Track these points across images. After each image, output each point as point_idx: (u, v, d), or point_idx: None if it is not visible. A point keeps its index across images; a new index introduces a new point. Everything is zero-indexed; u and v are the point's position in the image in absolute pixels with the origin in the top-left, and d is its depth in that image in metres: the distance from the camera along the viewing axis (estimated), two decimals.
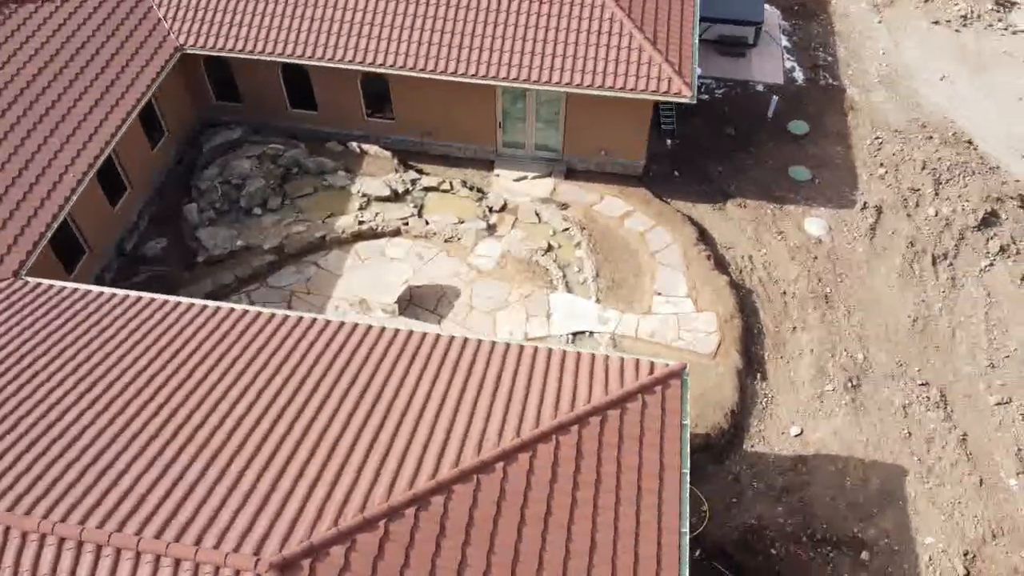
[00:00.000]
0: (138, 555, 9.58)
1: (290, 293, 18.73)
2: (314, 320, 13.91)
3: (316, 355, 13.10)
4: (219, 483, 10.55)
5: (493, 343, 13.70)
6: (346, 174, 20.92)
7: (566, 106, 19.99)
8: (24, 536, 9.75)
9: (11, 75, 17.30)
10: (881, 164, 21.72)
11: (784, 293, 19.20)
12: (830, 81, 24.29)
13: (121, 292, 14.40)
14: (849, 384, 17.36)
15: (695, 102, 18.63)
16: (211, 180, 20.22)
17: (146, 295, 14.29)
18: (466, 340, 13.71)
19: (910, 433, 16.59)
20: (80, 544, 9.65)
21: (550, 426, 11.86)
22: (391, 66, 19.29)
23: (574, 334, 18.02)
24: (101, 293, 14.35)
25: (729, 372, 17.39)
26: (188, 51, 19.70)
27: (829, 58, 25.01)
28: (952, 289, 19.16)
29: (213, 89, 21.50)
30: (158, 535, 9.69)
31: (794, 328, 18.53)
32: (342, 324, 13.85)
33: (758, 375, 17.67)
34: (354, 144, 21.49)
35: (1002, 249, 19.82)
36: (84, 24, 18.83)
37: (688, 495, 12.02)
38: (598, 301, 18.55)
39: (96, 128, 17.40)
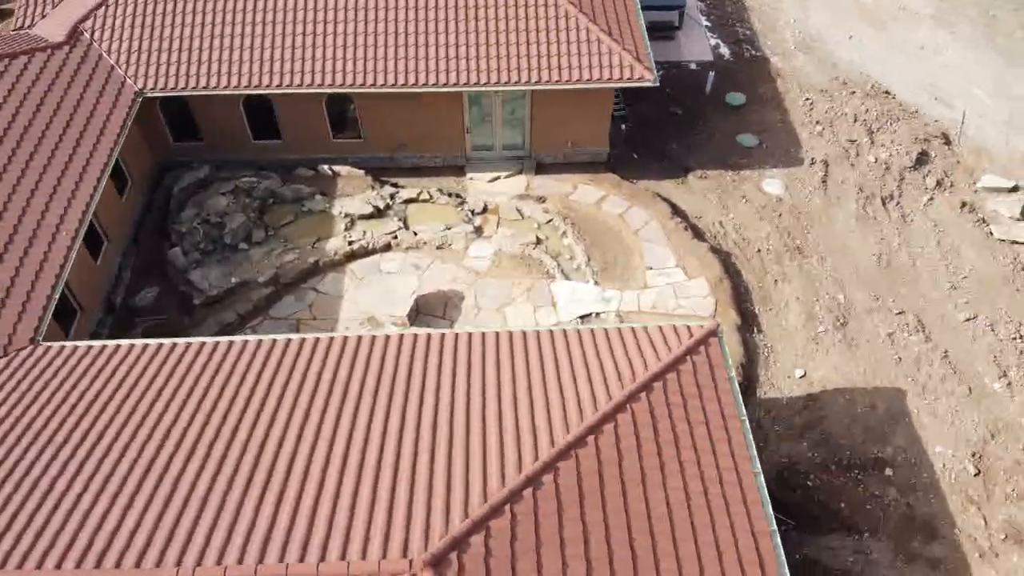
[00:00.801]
0: None
1: (295, 322, 18.72)
2: (358, 337, 14.14)
3: (373, 368, 13.37)
4: (339, 500, 10.77)
5: (538, 331, 14.35)
6: (323, 197, 21.00)
7: (531, 104, 20.77)
8: None
9: None
10: (817, 122, 23.55)
11: (759, 251, 20.61)
12: (753, 53, 26.06)
13: (141, 342, 14.17)
14: (837, 323, 18.90)
15: (658, 84, 19.78)
16: (190, 221, 19.90)
17: (173, 341, 14.11)
18: (511, 332, 14.29)
19: (900, 358, 18.24)
20: None
21: (622, 396, 12.60)
22: (358, 85, 19.55)
23: (581, 317, 18.83)
24: (129, 345, 14.05)
25: (730, 329, 18.59)
26: (148, 95, 19.34)
27: (748, 32, 26.81)
28: (904, 225, 21.07)
29: (170, 130, 21.12)
30: (301, 559, 9.88)
31: (776, 281, 19.95)
32: (387, 337, 14.15)
33: (754, 329, 18.96)
34: (325, 167, 21.59)
35: (939, 183, 21.92)
36: (37, 81, 18.21)
37: (752, 440, 13.05)
38: (596, 283, 19.43)
39: (76, 185, 16.90)
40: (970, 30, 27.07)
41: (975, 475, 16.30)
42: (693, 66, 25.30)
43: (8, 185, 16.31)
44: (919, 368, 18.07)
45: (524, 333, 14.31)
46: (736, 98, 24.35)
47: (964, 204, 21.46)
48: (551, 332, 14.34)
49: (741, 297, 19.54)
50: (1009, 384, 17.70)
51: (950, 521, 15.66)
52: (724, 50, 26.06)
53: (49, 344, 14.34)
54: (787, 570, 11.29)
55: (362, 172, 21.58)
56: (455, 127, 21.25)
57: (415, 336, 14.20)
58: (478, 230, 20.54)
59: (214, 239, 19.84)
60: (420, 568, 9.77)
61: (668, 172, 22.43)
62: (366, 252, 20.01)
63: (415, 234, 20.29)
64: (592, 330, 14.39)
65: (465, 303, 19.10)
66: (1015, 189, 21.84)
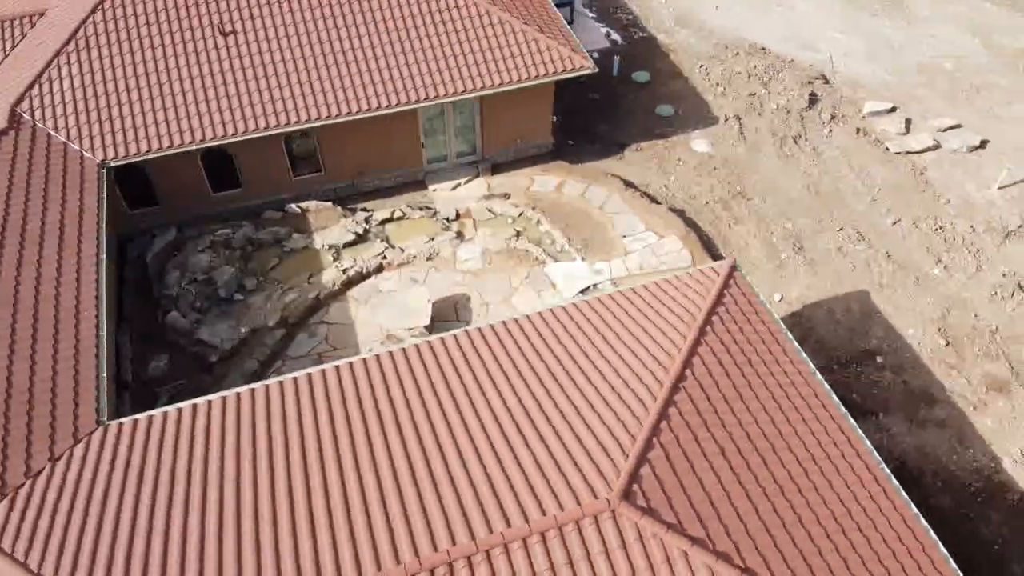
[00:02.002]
0: (506, 547, 10.55)
1: (317, 356, 18.94)
2: (441, 338, 14.87)
3: (474, 362, 14.14)
4: (517, 468, 11.64)
5: (587, 301, 15.67)
6: (300, 235, 21.22)
7: (481, 109, 21.99)
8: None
9: None
10: (717, 84, 26.28)
11: (707, 203, 22.88)
12: (641, 35, 28.54)
13: (203, 400, 14.17)
14: (794, 249, 21.44)
15: (596, 70, 21.59)
16: (177, 284, 19.56)
17: (235, 391, 14.19)
18: (566, 307, 15.52)
19: (853, 265, 21.01)
20: (452, 565, 10.40)
21: (694, 333, 14.16)
22: (320, 118, 19.98)
23: (582, 291, 20.26)
24: (192, 406, 13.98)
25: None
26: (111, 164, 18.87)
27: (630, 17, 29.28)
28: (817, 157, 24.07)
29: (125, 199, 20.58)
30: (508, 525, 10.72)
31: (730, 225, 22.27)
32: (452, 335, 14.98)
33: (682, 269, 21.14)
34: (292, 206, 21.76)
35: (832, 117, 25.17)
36: None
37: (799, 347, 15.05)
38: (583, 259, 20.93)
39: (77, 268, 16.34)
40: None
41: (946, 345, 19.21)
42: (595, 55, 27.38)
43: (10, 279, 15.64)
44: (871, 270, 20.90)
45: (576, 305, 15.57)
46: (642, 76, 26.66)
47: (858, 130, 24.81)
48: (598, 299, 15.69)
49: (707, 245, 21.68)
50: (945, 267, 20.88)
51: (940, 386, 18.43)
52: (616, 36, 28.37)
53: (119, 421, 14.04)
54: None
55: (330, 204, 21.95)
56: (411, 144, 22.09)
57: (491, 327, 15.08)
58: (459, 235, 21.51)
59: (207, 296, 19.62)
60: (616, 503, 10.88)
61: (606, 151, 24.32)
62: (362, 277, 20.47)
63: (402, 251, 20.98)
64: (632, 289, 15.89)
65: (472, 303, 20.03)
66: (893, 109, 25.45)
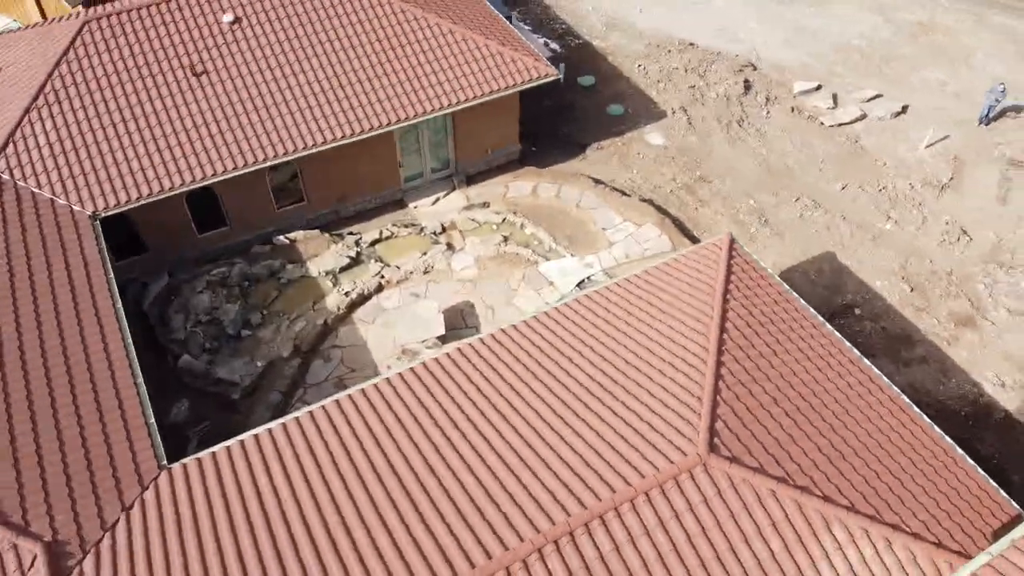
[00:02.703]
0: (617, 511, 11.33)
1: (337, 379, 19.17)
2: (492, 335, 15.48)
3: (510, 366, 14.82)
4: (603, 444, 12.42)
5: (609, 287, 16.64)
6: (294, 265, 21.35)
7: (453, 124, 22.71)
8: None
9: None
10: (658, 80, 27.88)
11: (671, 191, 24.30)
12: (577, 41, 29.91)
13: (264, 429, 14.38)
14: (761, 222, 23.08)
15: (560, 76, 22.68)
16: (182, 328, 19.41)
17: (294, 416, 14.47)
18: (590, 295, 16.44)
19: (815, 231, 22.80)
20: (572, 534, 11.09)
21: (719, 301, 15.31)
22: (303, 148, 20.25)
23: (578, 285, 21.22)
24: (253, 436, 14.16)
25: None
26: (103, 215, 18.60)
27: (563, 26, 30.63)
28: (762, 137, 25.92)
29: (112, 250, 20.22)
30: (614, 492, 11.50)
31: (697, 208, 23.75)
32: (520, 326, 15.67)
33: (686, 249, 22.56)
34: (280, 238, 21.86)
35: (767, 99, 27.14)
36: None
37: (804, 303, 16.46)
38: (573, 255, 21.92)
39: (98, 321, 16.07)
40: None
41: (911, 291, 21.14)
42: None
43: (34, 337, 15.33)
44: (832, 233, 22.74)
45: (599, 292, 16.52)
46: (587, 80, 27.98)
47: (792, 109, 26.85)
48: (618, 284, 16.69)
49: (680, 228, 23.05)
50: (896, 222, 22.95)
51: (914, 328, 20.30)
52: (554, 45, 29.62)
53: (182, 463, 14.02)
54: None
55: (317, 231, 22.17)
56: (389, 165, 22.59)
57: (528, 322, 15.81)
58: (450, 247, 22.13)
59: (215, 335, 19.54)
60: (706, 456, 11.85)
61: (569, 153, 25.46)
62: (364, 298, 20.80)
63: (399, 268, 21.43)
64: (646, 271, 16.98)
65: (477, 309, 20.68)
66: (819, 87, 27.64)
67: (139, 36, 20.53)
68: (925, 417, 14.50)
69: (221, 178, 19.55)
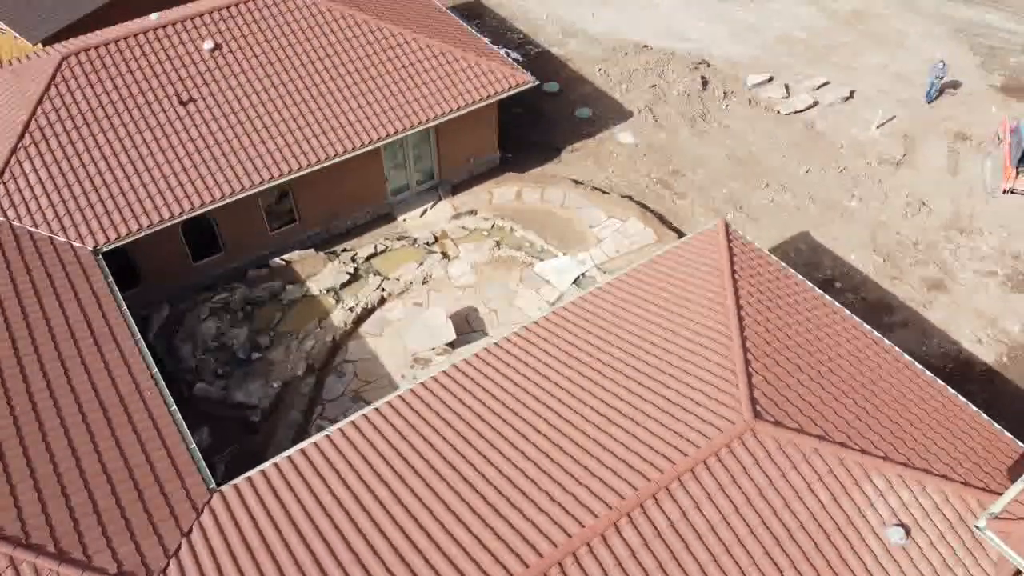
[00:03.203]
0: (680, 480, 12.00)
1: (354, 392, 19.40)
2: (495, 347, 16.01)
3: (541, 360, 15.45)
4: (653, 423, 13.11)
5: (619, 278, 17.38)
6: (293, 286, 21.47)
7: (436, 136, 23.20)
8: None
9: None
10: (620, 82, 28.90)
11: (647, 186, 25.28)
12: (536, 50, 30.73)
13: (310, 442, 14.61)
14: (737, 209, 24.23)
15: (538, 83, 23.42)
16: (193, 356, 19.34)
17: (337, 428, 14.75)
18: (603, 288, 17.16)
19: (787, 212, 24.06)
20: (643, 505, 11.72)
21: (729, 276, 16.21)
22: (299, 169, 20.45)
23: (574, 282, 21.92)
24: (300, 450, 14.39)
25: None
26: (104, 250, 18.45)
27: (520, 36, 31.42)
28: (725, 129, 27.15)
29: None
30: (673, 464, 12.19)
31: (674, 200, 24.77)
32: (535, 323, 16.27)
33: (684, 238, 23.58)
34: (276, 260, 21.95)
35: (725, 94, 28.42)
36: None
37: (810, 283, 17.53)
38: (565, 254, 22.63)
39: (122, 356, 16.01)
40: None
41: (884, 262, 22.54)
42: None
43: (60, 375, 15.19)
44: (803, 213, 24.04)
45: (612, 284, 17.26)
46: (552, 86, 28.80)
47: (749, 101, 28.21)
48: (628, 275, 17.46)
49: (662, 220, 24.03)
50: (860, 199, 24.39)
51: (892, 296, 21.65)
52: (514, 55, 30.35)
53: (232, 484, 14.12)
54: None
55: (312, 251, 22.33)
56: (376, 180, 22.92)
57: (556, 314, 16.43)
58: (444, 255, 22.57)
59: (226, 361, 19.54)
60: (752, 423, 12.66)
61: (544, 157, 26.19)
62: (368, 312, 21.07)
63: (398, 280, 21.77)
64: (652, 261, 17.80)
65: (480, 313, 21.17)
66: (771, 79, 29.09)
67: (120, 69, 20.44)
68: (927, 372, 15.66)
69: (220, 204, 19.60)
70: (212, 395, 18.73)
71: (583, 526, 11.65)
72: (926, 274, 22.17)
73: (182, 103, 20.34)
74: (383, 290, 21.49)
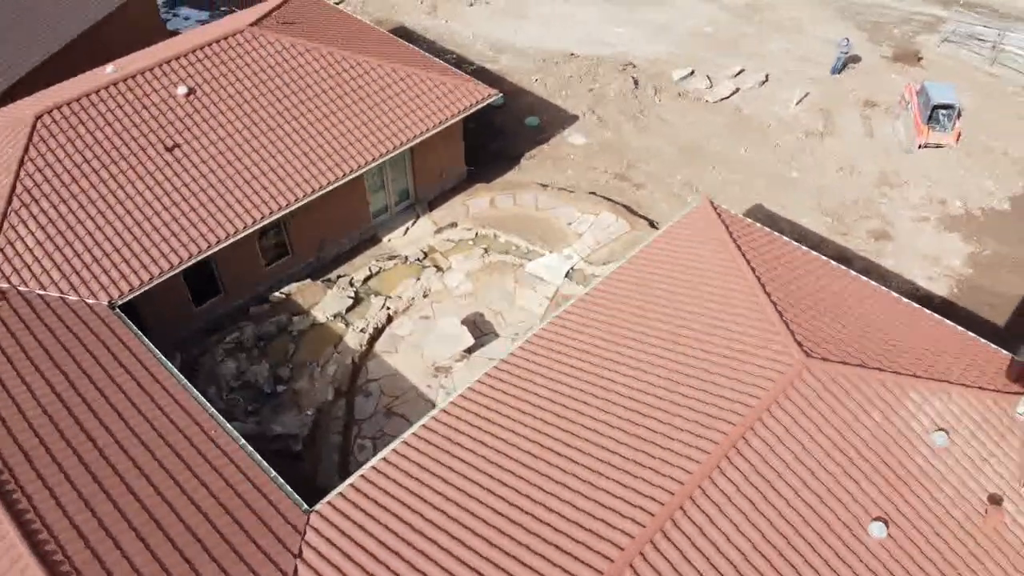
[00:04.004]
0: (762, 419, 13.40)
1: (385, 409, 19.86)
2: (534, 340, 17.08)
3: (583, 351, 16.62)
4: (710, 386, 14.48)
5: (627, 263, 18.76)
6: (300, 316, 21.69)
7: (412, 155, 23.96)
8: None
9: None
10: (559, 90, 30.50)
11: (607, 181, 26.90)
12: (473, 67, 31.90)
13: (390, 450, 15.16)
14: (694, 192, 26.18)
15: (501, 95, 24.57)
16: (219, 398, 19.30)
17: (413, 434, 15.45)
18: (615, 274, 18.49)
19: (739, 188, 26.19)
20: (736, 446, 13.03)
21: (739, 253, 17.83)
22: (295, 200, 20.77)
23: (566, 275, 23.16)
24: (393, 451, 14.98)
25: (650, 234, 24.62)
26: (119, 303, 18.22)
27: (455, 57, 32.53)
28: (664, 122, 29.18)
29: None
30: (751, 407, 13.60)
31: (635, 191, 26.50)
32: (566, 313, 17.34)
33: (655, 224, 25.29)
34: (276, 294, 22.08)
35: (655, 90, 30.50)
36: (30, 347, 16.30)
37: (796, 243, 19.45)
38: (551, 251, 23.84)
39: (175, 400, 16.02)
40: None
41: (833, 221, 24.98)
42: None
43: (127, 435, 15.03)
44: (751, 188, 26.26)
45: (623, 269, 18.60)
46: (497, 100, 29.93)
47: (678, 94, 30.40)
48: (635, 258, 18.86)
49: (631, 211, 25.67)
50: (799, 170, 26.86)
51: (847, 249, 24.04)
52: None
53: (326, 502, 14.47)
54: None
55: (309, 280, 22.59)
56: (361, 204, 23.44)
57: (582, 303, 17.58)
58: (438, 269, 23.33)
59: (253, 397, 19.59)
60: (806, 361, 14.24)
61: (505, 166, 27.39)
62: (379, 332, 21.56)
63: (400, 297, 22.36)
64: (654, 242, 19.29)
65: (488, 316, 22.06)
66: (693, 72, 31.41)
67: (97, 123, 20.22)
68: (914, 304, 17.82)
69: (226, 244, 19.69)
70: (249, 431, 18.76)
71: (689, 472, 12.84)
72: (871, 227, 24.75)
73: (168, 149, 20.31)
74: (388, 308, 22.03)
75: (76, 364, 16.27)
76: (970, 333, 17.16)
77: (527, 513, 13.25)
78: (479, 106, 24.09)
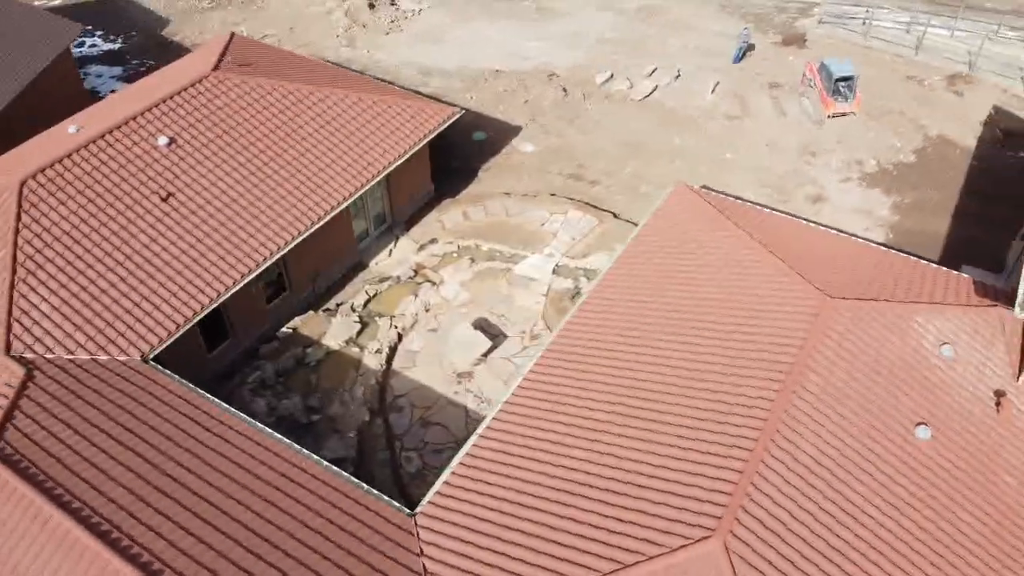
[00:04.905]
0: (804, 363, 15.25)
1: (420, 419, 20.49)
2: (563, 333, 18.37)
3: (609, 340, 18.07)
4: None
5: (629, 254, 20.37)
6: (312, 348, 21.94)
7: (388, 179, 24.67)
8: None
9: None
10: (496, 104, 31.93)
11: (564, 182, 28.51)
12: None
13: (471, 445, 16.11)
14: (646, 182, 28.21)
15: (464, 111, 25.72)
16: None
17: (479, 434, 16.44)
18: (620, 264, 20.05)
19: (686, 175, 28.45)
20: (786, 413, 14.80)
21: (735, 225, 19.83)
22: (297, 235, 21.14)
23: (553, 272, 24.51)
24: (467, 454, 15.89)
25: (618, 225, 26.35)
26: (151, 356, 18.05)
27: (384, 83, 33.28)
28: (599, 124, 31.14)
29: None
30: (793, 355, 15.43)
31: (593, 185, 28.24)
32: (585, 306, 18.67)
33: (618, 216, 27.07)
34: (283, 330, 22.23)
35: (584, 95, 32.47)
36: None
37: (770, 208, 21.68)
38: (533, 252, 25.16)
39: (259, 443, 16.22)
40: (488, 14, 38.06)
41: (773, 192, 27.63)
42: None
43: (224, 481, 15.15)
44: (696, 172, 28.57)
45: (631, 250, 20.20)
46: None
47: (606, 96, 32.52)
48: (634, 247, 20.50)
49: (593, 206, 27.37)
50: (732, 151, 29.46)
51: (792, 213, 26.68)
52: None
53: (428, 503, 15.13)
54: None
55: (311, 312, 22.85)
56: (346, 232, 23.92)
57: (595, 297, 18.97)
58: (432, 283, 24.13)
59: (289, 430, 19.74)
60: (831, 302, 16.25)
61: (465, 179, 28.51)
62: (393, 350, 22.13)
63: (403, 315, 23.01)
64: (648, 223, 21.01)
65: (492, 320, 23.08)
66: (612, 76, 33.62)
67: (85, 182, 19.91)
68: (882, 246, 20.37)
69: (242, 284, 19.83)
70: None
71: (768, 410, 14.47)
72: (808, 192, 27.58)
73: (163, 199, 20.22)
74: (396, 327, 22.64)
75: (143, 423, 16.08)
76: (933, 264, 19.82)
77: (626, 482, 14.43)
78: (446, 124, 25.15)
